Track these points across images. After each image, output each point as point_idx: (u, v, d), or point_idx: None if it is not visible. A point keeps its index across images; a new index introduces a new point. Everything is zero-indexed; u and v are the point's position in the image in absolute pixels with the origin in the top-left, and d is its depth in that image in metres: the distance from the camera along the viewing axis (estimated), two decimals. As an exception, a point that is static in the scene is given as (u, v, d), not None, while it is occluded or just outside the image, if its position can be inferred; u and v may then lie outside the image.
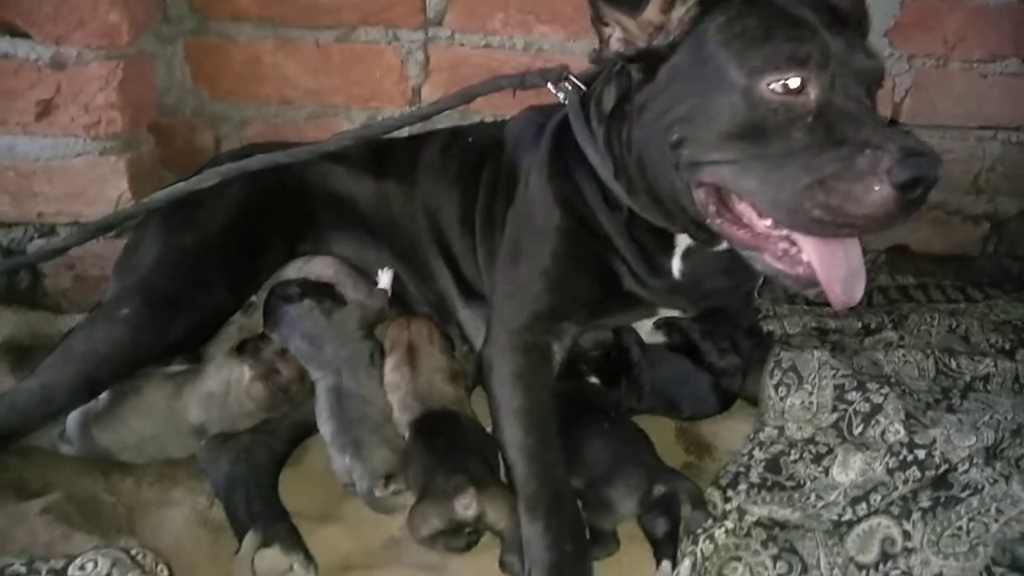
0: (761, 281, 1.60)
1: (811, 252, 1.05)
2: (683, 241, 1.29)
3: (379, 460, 1.20)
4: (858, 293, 1.06)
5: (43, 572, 0.97)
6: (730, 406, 1.45)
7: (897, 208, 0.95)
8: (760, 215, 1.08)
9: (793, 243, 1.07)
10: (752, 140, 1.03)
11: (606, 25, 1.16)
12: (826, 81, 1.02)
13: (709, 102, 1.06)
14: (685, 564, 1.08)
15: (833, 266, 1.04)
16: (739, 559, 1.10)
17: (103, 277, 1.67)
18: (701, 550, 1.09)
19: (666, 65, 1.12)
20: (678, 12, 1.10)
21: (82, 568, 0.97)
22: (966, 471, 1.17)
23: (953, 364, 1.51)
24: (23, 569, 0.97)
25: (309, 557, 1.10)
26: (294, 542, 1.11)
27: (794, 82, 1.01)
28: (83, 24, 1.53)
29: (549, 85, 1.39)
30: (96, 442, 1.27)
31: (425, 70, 1.88)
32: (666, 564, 1.11)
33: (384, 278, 1.47)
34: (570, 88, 1.37)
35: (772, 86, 1.02)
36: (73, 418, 1.26)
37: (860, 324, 1.69)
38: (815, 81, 1.02)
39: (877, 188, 0.94)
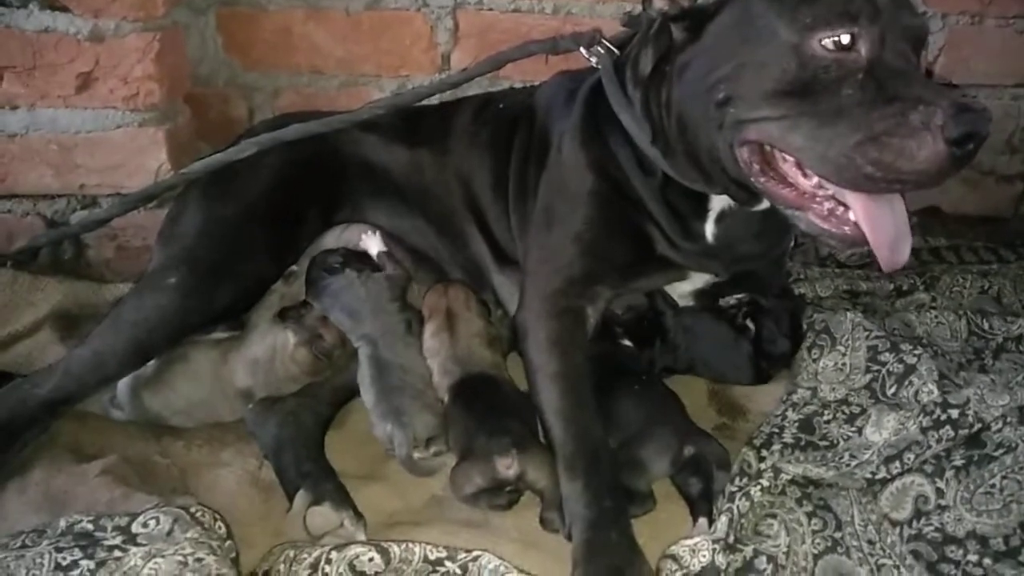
0: (792, 244, 1.61)
1: (859, 213, 1.05)
2: (717, 204, 1.30)
3: (420, 425, 1.23)
4: (905, 255, 1.06)
5: (109, 528, 1.01)
6: (765, 382, 1.45)
7: (949, 164, 0.96)
8: (806, 174, 1.09)
9: (840, 203, 1.08)
10: (802, 97, 1.03)
11: None
12: (876, 38, 1.02)
13: (758, 59, 1.06)
14: (722, 520, 1.10)
15: (881, 227, 1.05)
16: (774, 516, 1.12)
17: (145, 247, 1.71)
18: (737, 507, 1.11)
19: (712, 24, 1.12)
20: None
21: (145, 525, 1.01)
22: (999, 430, 1.18)
23: (986, 325, 1.51)
24: (90, 526, 1.01)
25: (358, 514, 1.14)
26: (343, 500, 1.15)
27: (845, 38, 1.01)
28: (120, -4, 1.55)
29: (582, 49, 1.39)
30: (146, 407, 1.31)
31: (454, 36, 1.88)
32: (703, 521, 1.13)
33: (373, 243, 1.48)
34: (603, 52, 1.37)
35: (823, 42, 1.02)
36: (123, 384, 1.30)
37: (892, 286, 1.69)
38: (866, 37, 1.02)
39: (931, 144, 0.95)
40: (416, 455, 1.23)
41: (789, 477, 1.16)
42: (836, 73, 1.02)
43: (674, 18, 1.16)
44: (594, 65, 1.38)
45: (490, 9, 1.86)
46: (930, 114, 0.95)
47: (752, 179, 1.13)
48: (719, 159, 1.15)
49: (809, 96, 1.03)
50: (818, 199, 1.10)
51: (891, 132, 0.97)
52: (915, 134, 0.96)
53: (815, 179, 1.08)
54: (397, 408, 1.24)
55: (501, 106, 1.58)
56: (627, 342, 1.41)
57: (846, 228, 1.08)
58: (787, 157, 1.09)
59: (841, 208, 1.08)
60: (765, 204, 1.23)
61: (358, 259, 1.44)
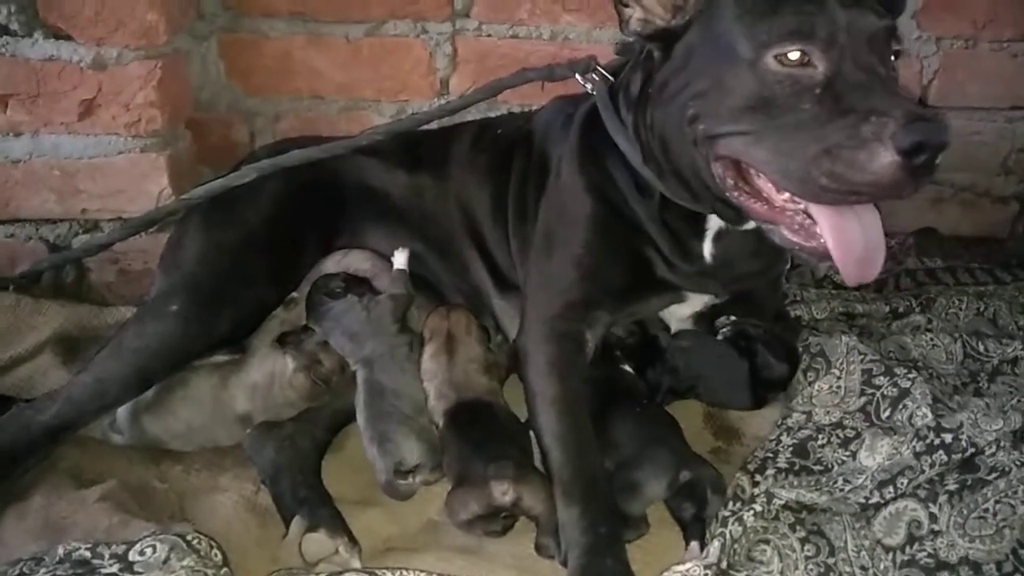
0: (789, 266, 1.62)
1: (824, 225, 1.05)
2: (714, 224, 1.31)
3: (407, 451, 1.24)
4: (873, 271, 1.06)
5: (106, 556, 1.02)
6: (762, 407, 1.45)
7: (904, 174, 0.95)
8: (780, 188, 1.10)
9: (809, 216, 1.08)
10: (763, 112, 1.05)
11: (626, 6, 1.19)
12: (833, 52, 1.03)
13: (721, 76, 1.09)
14: (714, 545, 1.10)
15: (847, 241, 1.04)
16: (767, 542, 1.13)
17: (146, 271, 1.73)
18: (730, 532, 1.11)
19: (681, 43, 1.15)
20: None
21: (142, 553, 1.02)
22: (993, 454, 1.19)
23: (981, 347, 1.52)
24: (88, 554, 1.02)
25: (353, 540, 1.15)
26: (339, 526, 1.16)
27: (796, 55, 1.03)
28: (123, 25, 1.57)
29: (577, 76, 1.42)
30: (146, 431, 1.32)
31: (453, 62, 1.90)
32: (695, 545, 1.14)
33: (400, 258, 1.48)
34: (598, 79, 1.39)
35: (779, 58, 1.04)
36: (124, 409, 1.31)
37: (888, 308, 1.70)
38: (821, 53, 1.03)
39: (882, 154, 0.95)
40: (410, 481, 1.24)
41: (782, 502, 1.17)
42: (793, 88, 1.03)
43: (650, 38, 1.19)
44: (589, 91, 1.40)
45: (488, 35, 1.88)
46: (882, 124, 0.96)
47: (728, 194, 1.14)
48: (700, 176, 1.17)
49: (770, 111, 1.05)
50: (789, 213, 1.10)
51: (842, 144, 0.98)
52: (865, 145, 0.96)
53: (787, 193, 1.09)
54: (383, 434, 1.25)
55: (499, 131, 1.60)
56: (627, 367, 1.42)
57: (814, 242, 1.08)
58: (761, 171, 1.10)
59: (810, 221, 1.08)
60: (753, 223, 1.25)
61: (358, 284, 1.45)
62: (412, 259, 1.50)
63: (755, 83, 1.05)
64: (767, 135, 1.05)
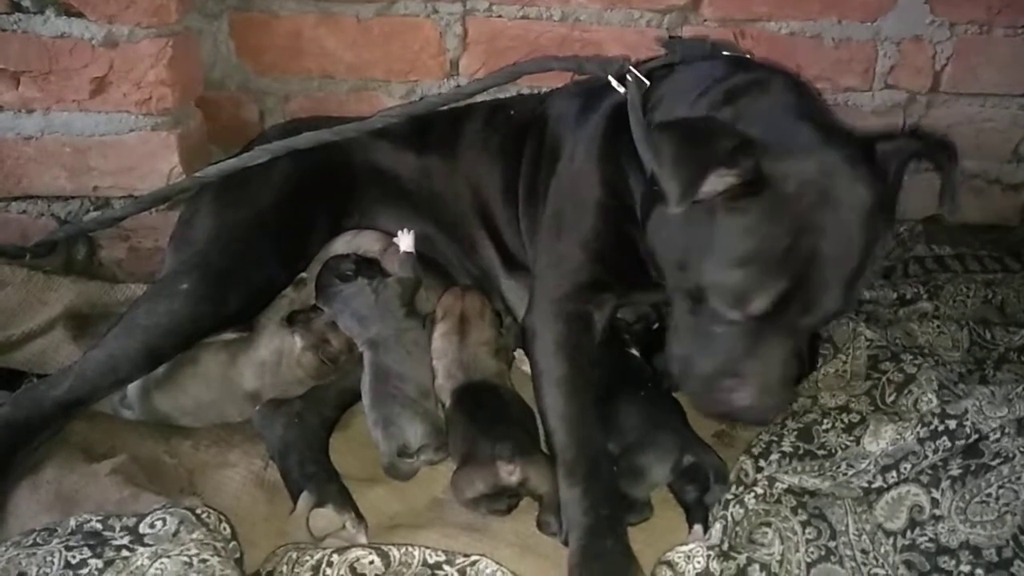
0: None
1: None
2: None
3: (411, 434, 1.25)
4: None
5: (117, 528, 1.04)
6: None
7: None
8: None
9: None
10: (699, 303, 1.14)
11: None
12: (782, 313, 1.08)
13: (690, 256, 1.14)
14: (716, 528, 1.12)
15: None
16: (769, 524, 1.14)
17: (156, 248, 1.74)
18: (732, 515, 1.13)
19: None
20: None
21: (152, 526, 1.04)
22: (997, 440, 1.19)
23: (987, 335, 1.52)
24: (99, 525, 1.04)
25: (360, 516, 1.16)
26: (346, 502, 1.17)
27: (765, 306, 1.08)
28: (134, 3, 1.56)
29: (611, 79, 1.39)
30: (156, 407, 1.34)
31: (463, 42, 1.89)
32: (698, 528, 1.15)
33: (405, 241, 1.48)
34: (632, 81, 1.36)
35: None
36: (134, 385, 1.33)
37: (895, 295, 1.70)
38: (775, 308, 1.08)
39: (723, 402, 1.14)
40: (412, 460, 1.26)
41: (785, 486, 1.17)
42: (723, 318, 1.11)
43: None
44: (622, 93, 1.36)
45: (499, 16, 1.87)
46: (735, 388, 1.12)
47: None
48: None
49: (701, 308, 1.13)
50: None
51: (714, 379, 1.14)
52: (722, 393, 1.13)
53: None
54: (387, 417, 1.27)
55: (512, 112, 1.60)
56: (635, 351, 1.43)
57: None
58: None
59: None
60: None
61: (369, 266, 1.45)
62: (421, 240, 1.50)
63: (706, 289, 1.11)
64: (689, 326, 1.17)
